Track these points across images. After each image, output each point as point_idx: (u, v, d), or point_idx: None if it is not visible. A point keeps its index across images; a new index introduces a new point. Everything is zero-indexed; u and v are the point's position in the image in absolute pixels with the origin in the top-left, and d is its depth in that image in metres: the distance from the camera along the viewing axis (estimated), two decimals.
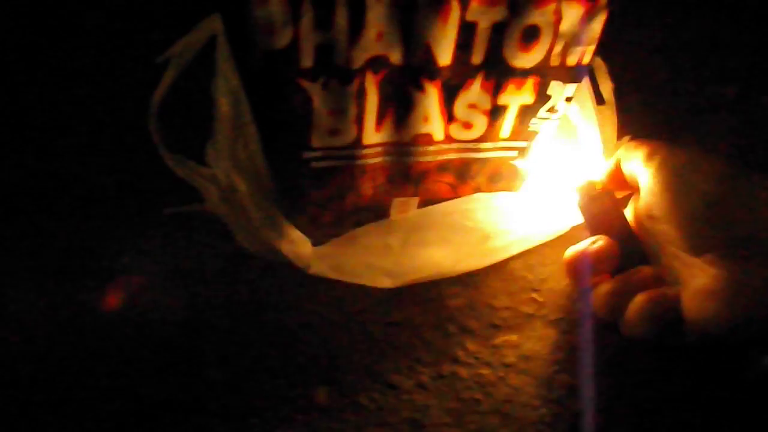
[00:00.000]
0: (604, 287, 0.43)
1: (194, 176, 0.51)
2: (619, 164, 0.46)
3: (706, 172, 0.39)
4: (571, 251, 0.45)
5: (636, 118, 0.52)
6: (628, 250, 0.44)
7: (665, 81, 0.61)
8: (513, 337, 0.47)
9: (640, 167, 0.42)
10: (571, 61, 0.44)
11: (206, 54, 0.54)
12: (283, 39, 0.38)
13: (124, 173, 0.57)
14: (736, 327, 0.36)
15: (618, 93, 0.50)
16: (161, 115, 0.54)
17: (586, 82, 0.50)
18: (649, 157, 0.42)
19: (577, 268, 0.44)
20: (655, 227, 0.42)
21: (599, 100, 0.48)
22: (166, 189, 0.53)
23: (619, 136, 0.48)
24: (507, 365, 0.45)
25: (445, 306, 0.48)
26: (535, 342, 0.47)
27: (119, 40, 0.66)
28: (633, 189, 0.45)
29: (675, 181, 0.40)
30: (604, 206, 0.46)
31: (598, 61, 0.50)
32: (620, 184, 0.46)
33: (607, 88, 0.49)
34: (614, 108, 0.48)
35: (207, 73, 0.53)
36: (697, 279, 0.38)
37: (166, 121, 0.55)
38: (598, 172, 0.47)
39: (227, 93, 0.50)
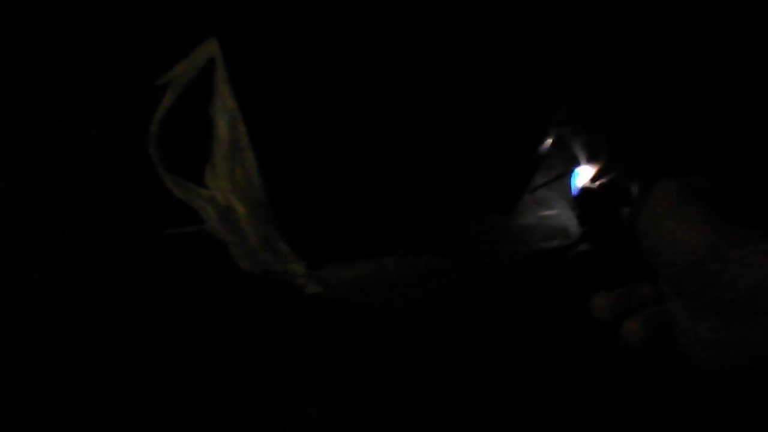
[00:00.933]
0: (603, 301, 0.43)
1: (192, 197, 0.51)
2: (617, 180, 0.45)
3: (697, 225, 0.36)
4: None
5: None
6: (626, 262, 0.44)
7: None
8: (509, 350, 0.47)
9: (633, 196, 0.41)
10: None
11: (205, 76, 0.54)
12: None
13: (122, 193, 0.57)
14: (721, 372, 0.37)
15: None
16: (160, 137, 0.55)
17: (578, 102, 0.50)
18: (643, 194, 0.40)
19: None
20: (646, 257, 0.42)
21: (591, 120, 0.49)
22: (165, 209, 0.54)
23: (611, 155, 0.49)
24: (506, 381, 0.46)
25: (446, 323, 0.49)
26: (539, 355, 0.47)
27: (119, 60, 0.67)
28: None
29: (661, 231, 0.38)
30: (602, 216, 0.46)
31: (591, 82, 0.51)
32: (618, 196, 0.46)
33: (599, 108, 0.50)
34: (606, 128, 0.49)
35: (206, 94, 0.54)
36: (681, 316, 0.38)
37: (165, 143, 0.55)
38: (595, 181, 0.47)
39: (225, 115, 0.51)
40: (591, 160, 0.48)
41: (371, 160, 0.46)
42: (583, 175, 0.46)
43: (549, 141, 0.48)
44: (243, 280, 0.50)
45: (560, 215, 0.51)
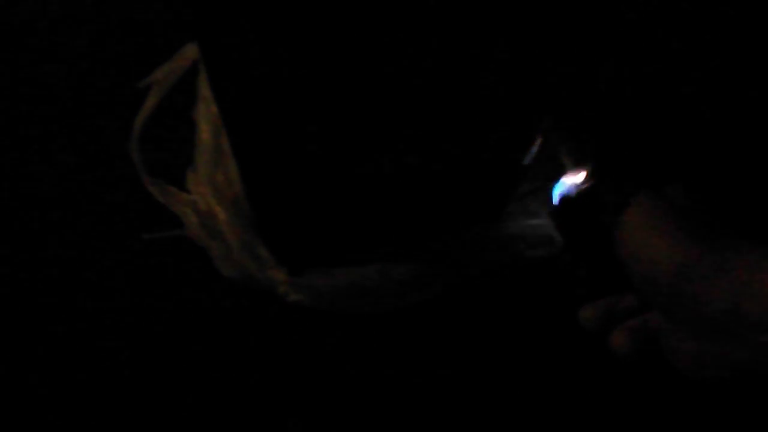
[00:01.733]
0: (589, 311, 0.43)
1: (173, 201, 0.51)
2: (598, 189, 0.45)
3: (676, 240, 0.35)
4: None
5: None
6: (609, 272, 0.43)
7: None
8: (492, 361, 0.47)
9: (613, 211, 0.41)
10: None
11: (190, 80, 0.54)
12: None
13: (102, 196, 0.56)
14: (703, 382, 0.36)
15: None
16: (142, 140, 0.54)
17: (566, 110, 0.50)
18: (621, 207, 0.40)
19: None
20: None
21: (578, 128, 0.49)
22: (145, 213, 0.53)
23: (598, 164, 0.49)
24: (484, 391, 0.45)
25: (425, 331, 0.48)
26: (518, 366, 0.47)
27: (102, 63, 0.66)
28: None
29: (642, 246, 0.37)
30: (583, 225, 0.46)
31: (579, 91, 0.51)
32: (599, 206, 0.45)
33: (587, 116, 0.49)
34: (593, 137, 0.49)
35: (189, 98, 0.53)
36: (666, 335, 0.38)
37: (147, 146, 0.54)
38: (577, 192, 0.46)
39: (208, 119, 0.50)
40: (576, 168, 0.48)
41: (354, 167, 0.45)
42: (564, 184, 0.46)
43: (536, 149, 0.48)
44: (224, 286, 0.49)
45: (546, 224, 0.51)
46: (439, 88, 0.40)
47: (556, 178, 0.48)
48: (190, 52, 0.50)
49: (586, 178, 0.45)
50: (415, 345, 0.48)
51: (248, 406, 0.45)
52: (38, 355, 0.48)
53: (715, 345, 0.35)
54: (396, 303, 0.47)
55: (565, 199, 0.44)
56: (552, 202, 0.45)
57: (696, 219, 0.37)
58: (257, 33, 0.37)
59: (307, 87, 0.38)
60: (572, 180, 0.46)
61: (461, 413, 0.46)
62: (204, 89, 0.51)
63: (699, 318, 0.34)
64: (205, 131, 0.50)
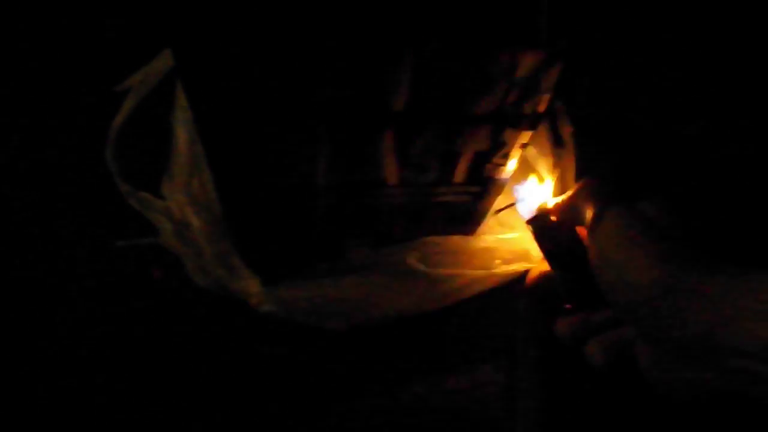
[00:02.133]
0: (564, 324, 0.43)
1: (148, 208, 0.50)
2: (574, 202, 0.44)
3: (649, 262, 0.35)
4: (532, 277, 0.45)
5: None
6: (586, 285, 0.43)
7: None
8: (463, 381, 0.46)
9: (588, 226, 0.40)
10: (527, 109, 0.44)
11: (168, 84, 0.53)
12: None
13: (78, 200, 0.56)
14: (676, 400, 0.36)
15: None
16: (119, 145, 0.53)
17: (545, 124, 0.50)
18: (594, 223, 0.39)
19: (535, 294, 0.44)
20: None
21: (558, 142, 0.49)
22: (120, 219, 0.53)
23: (578, 177, 0.49)
24: (455, 410, 0.45)
25: (396, 347, 0.48)
26: (485, 387, 0.46)
27: (78, 67, 0.65)
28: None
29: (615, 266, 0.36)
30: (560, 238, 0.46)
31: (559, 105, 0.51)
32: (576, 219, 0.45)
33: (566, 130, 0.49)
34: (573, 150, 0.49)
35: (168, 103, 0.53)
36: (640, 350, 0.38)
37: (123, 151, 0.54)
38: (553, 204, 0.46)
39: (185, 126, 0.50)
40: (556, 183, 0.48)
41: (329, 177, 0.45)
42: (540, 196, 0.46)
43: (514, 163, 0.48)
44: (197, 295, 0.49)
45: (523, 238, 0.51)
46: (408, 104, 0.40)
47: (531, 191, 0.48)
48: (170, 56, 0.49)
49: (563, 191, 0.45)
50: (388, 360, 0.48)
51: (219, 414, 0.45)
52: (9, 363, 0.47)
53: (689, 367, 0.35)
54: (372, 317, 0.47)
55: (542, 212, 0.44)
56: (528, 215, 0.45)
57: (670, 238, 0.36)
58: (231, 46, 0.37)
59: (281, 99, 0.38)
60: (547, 192, 0.47)
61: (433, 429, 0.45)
62: (182, 95, 0.50)
63: (673, 340, 0.34)
64: (181, 138, 0.49)
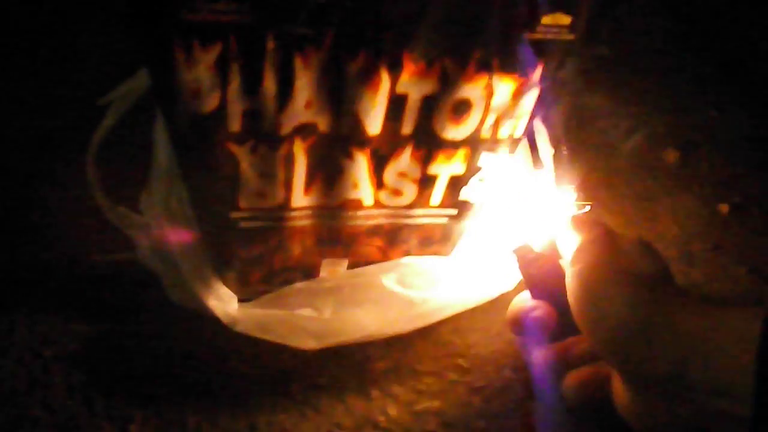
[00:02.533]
0: (543, 355, 0.43)
1: (126, 223, 0.50)
2: (558, 236, 0.45)
3: (624, 300, 0.35)
4: (513, 308, 0.45)
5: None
6: (567, 318, 0.43)
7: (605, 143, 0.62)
8: (436, 404, 0.46)
9: (567, 260, 0.41)
10: (503, 134, 0.45)
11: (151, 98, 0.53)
12: (211, 103, 0.38)
13: (55, 213, 0.56)
14: None
15: (560, 154, 0.51)
16: (99, 158, 0.53)
17: (524, 146, 0.50)
18: (575, 257, 0.39)
19: (517, 326, 0.44)
20: None
21: (537, 164, 0.49)
22: (98, 233, 0.53)
23: (558, 199, 0.49)
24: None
25: (369, 369, 0.48)
26: (458, 409, 0.46)
27: (62, 77, 0.66)
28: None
29: (591, 302, 0.37)
30: (542, 270, 0.46)
31: (539, 125, 0.51)
32: (559, 252, 0.46)
33: (545, 153, 0.50)
34: (552, 173, 0.49)
35: (150, 117, 0.52)
36: (616, 386, 0.38)
37: (103, 164, 0.54)
38: (536, 236, 0.47)
39: (165, 140, 0.50)
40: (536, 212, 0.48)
41: (305, 199, 0.45)
42: (526, 228, 0.46)
43: (492, 186, 0.48)
44: (174, 312, 0.49)
45: (501, 261, 0.51)
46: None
47: (518, 218, 0.48)
48: None
49: (548, 223, 0.46)
50: (355, 377, 0.48)
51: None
52: None
53: (664, 403, 0.35)
54: (349, 337, 0.47)
55: (524, 244, 0.45)
56: (513, 243, 0.45)
57: (648, 276, 0.37)
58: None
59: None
60: (533, 224, 0.47)
61: None
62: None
63: (648, 377, 0.35)
64: (161, 153, 0.49)
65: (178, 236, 0.48)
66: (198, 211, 0.45)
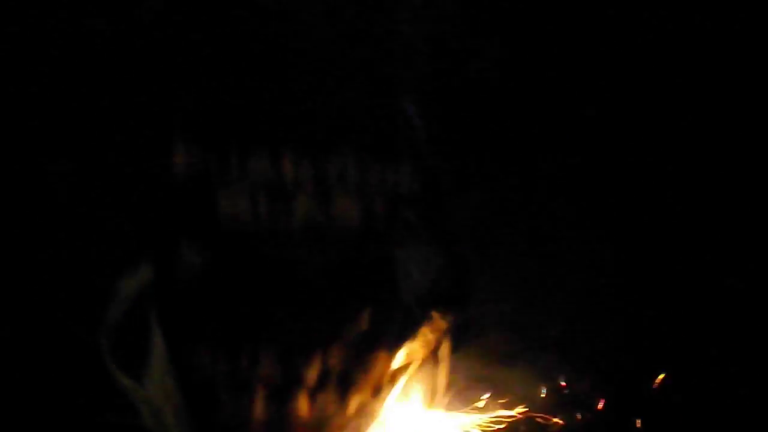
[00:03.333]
0: None
1: (133, 393, 0.65)
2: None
3: None
4: None
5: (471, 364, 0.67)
6: None
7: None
8: None
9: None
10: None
11: None
12: None
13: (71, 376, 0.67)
14: None
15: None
16: (112, 337, 0.66)
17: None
18: None
19: None
20: None
21: (434, 359, 0.63)
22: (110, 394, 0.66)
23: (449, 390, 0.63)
24: None
25: None
26: None
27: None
28: None
29: None
30: None
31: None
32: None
33: (444, 347, 0.64)
34: (447, 368, 0.63)
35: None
36: None
37: (116, 342, 0.66)
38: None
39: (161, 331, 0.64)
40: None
41: None
42: None
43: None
44: None
45: None
46: None
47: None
48: None
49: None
50: None
51: None
52: None
53: None
54: None
55: None
56: None
57: None
58: None
59: None
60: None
61: None
62: None
63: None
64: (158, 343, 0.64)
65: (171, 409, 0.63)
66: (186, 400, 0.61)
